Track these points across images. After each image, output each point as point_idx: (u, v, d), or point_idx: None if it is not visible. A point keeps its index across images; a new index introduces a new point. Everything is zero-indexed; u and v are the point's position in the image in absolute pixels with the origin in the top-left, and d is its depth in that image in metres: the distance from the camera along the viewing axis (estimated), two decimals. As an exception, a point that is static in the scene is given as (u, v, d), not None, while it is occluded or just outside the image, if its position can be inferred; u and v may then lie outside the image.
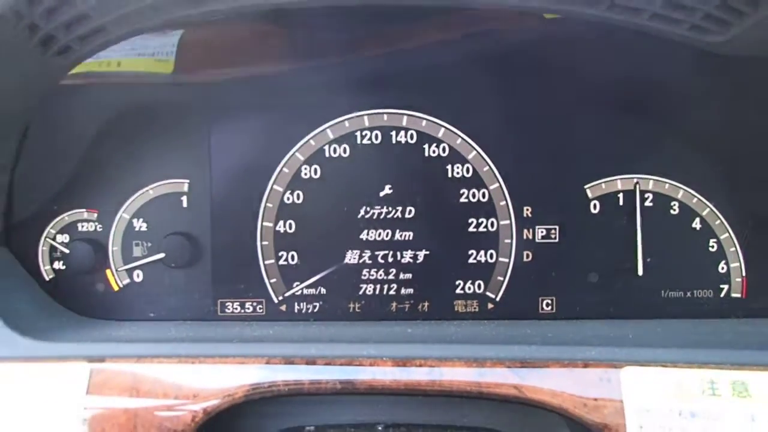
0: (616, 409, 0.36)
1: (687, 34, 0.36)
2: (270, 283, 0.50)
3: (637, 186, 0.48)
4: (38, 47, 0.35)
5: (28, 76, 0.37)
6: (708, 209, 0.49)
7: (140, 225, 0.49)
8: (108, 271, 0.49)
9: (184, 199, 0.49)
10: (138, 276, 0.49)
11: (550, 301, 0.50)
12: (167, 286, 0.49)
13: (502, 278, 0.50)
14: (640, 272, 0.47)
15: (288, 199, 0.50)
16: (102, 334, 0.44)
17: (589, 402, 0.36)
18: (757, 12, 0.34)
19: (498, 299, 0.50)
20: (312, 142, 0.50)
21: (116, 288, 0.50)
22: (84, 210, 0.49)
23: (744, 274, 0.49)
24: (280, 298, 0.50)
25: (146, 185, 0.49)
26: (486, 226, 0.49)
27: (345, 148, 0.50)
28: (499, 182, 0.49)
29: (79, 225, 0.49)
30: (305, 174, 0.50)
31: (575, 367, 0.37)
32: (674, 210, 0.49)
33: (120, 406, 0.37)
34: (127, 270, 0.49)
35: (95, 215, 0.49)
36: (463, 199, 0.49)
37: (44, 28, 0.33)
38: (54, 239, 0.49)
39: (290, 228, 0.50)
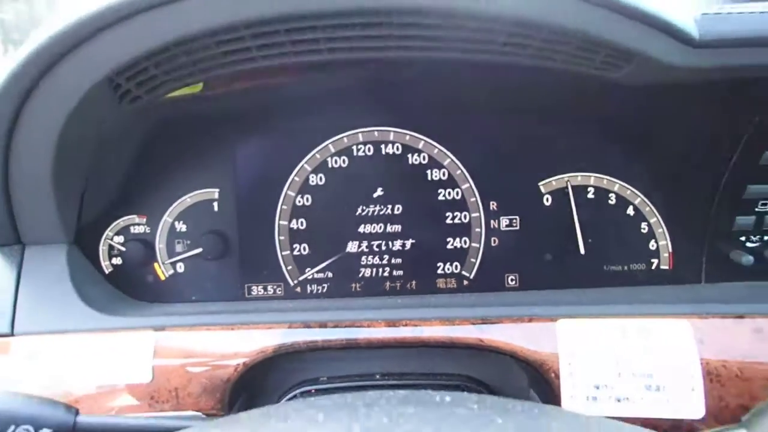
0: (552, 351, 0.47)
1: (586, 71, 0.47)
2: (287, 270, 0.61)
3: (569, 181, 0.59)
4: (116, 99, 0.46)
5: (105, 119, 0.48)
6: (639, 198, 0.60)
7: (180, 226, 0.60)
8: (156, 264, 0.61)
9: (215, 204, 0.60)
10: (180, 267, 0.61)
11: (514, 277, 0.61)
12: (204, 275, 0.61)
13: (474, 260, 0.61)
14: (582, 251, 0.59)
15: (299, 202, 0.61)
16: (158, 311, 0.55)
17: (533, 346, 0.47)
18: (632, 64, 0.45)
19: (472, 277, 0.61)
20: (317, 155, 0.61)
21: (163, 277, 0.61)
22: (135, 216, 0.60)
23: (670, 250, 0.60)
24: (295, 281, 0.61)
25: (184, 194, 0.60)
26: (460, 219, 0.61)
27: (344, 159, 0.61)
28: (469, 183, 0.60)
29: (132, 228, 0.61)
30: (312, 181, 0.61)
31: (522, 321, 0.48)
32: (611, 200, 0.60)
33: (178, 363, 0.49)
34: (171, 263, 0.61)
35: (144, 219, 0.60)
36: (440, 198, 0.60)
37: (124, 86, 0.45)
38: (112, 240, 0.61)
39: (302, 225, 0.61)
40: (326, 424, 0.26)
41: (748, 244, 0.57)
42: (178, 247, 0.60)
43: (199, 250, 0.60)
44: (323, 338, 0.49)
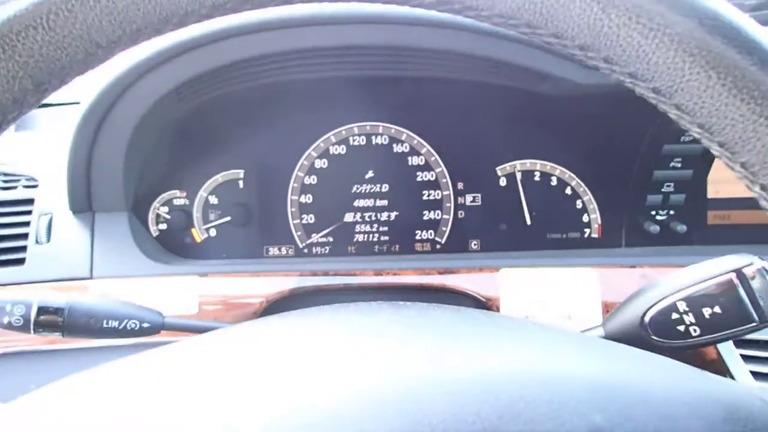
0: (496, 294, 0.63)
1: (519, 85, 0.63)
2: (296, 235, 0.77)
3: (518, 167, 0.75)
4: (177, 100, 0.62)
5: (165, 115, 0.63)
6: (575, 181, 0.75)
7: (213, 199, 0.76)
8: (193, 230, 0.77)
9: (240, 182, 0.76)
10: (213, 232, 0.77)
11: (476, 242, 0.77)
12: (232, 238, 0.76)
13: (445, 228, 0.77)
14: (528, 222, 0.75)
15: (306, 181, 0.77)
16: (198, 264, 0.72)
17: (483, 290, 0.63)
18: (549, 82, 0.60)
19: (443, 242, 0.77)
20: (322, 144, 0.76)
21: (198, 240, 0.77)
22: (177, 191, 0.76)
23: (599, 222, 0.76)
24: (303, 244, 0.77)
25: (216, 174, 0.75)
26: (434, 196, 0.76)
27: (343, 147, 0.77)
28: (442, 167, 0.76)
29: (174, 200, 0.76)
30: (317, 165, 0.77)
31: (476, 272, 0.64)
32: (553, 182, 0.76)
33: (217, 300, 0.65)
34: (205, 228, 0.77)
35: (184, 194, 0.76)
36: (418, 179, 0.76)
37: (184, 92, 0.61)
38: (159, 209, 0.76)
39: (309, 200, 0.77)
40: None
41: (657, 218, 0.73)
42: (211, 216, 0.76)
43: (228, 218, 0.75)
44: (326, 283, 0.65)
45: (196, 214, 0.76)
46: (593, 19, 0.26)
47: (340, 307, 0.39)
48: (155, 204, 0.76)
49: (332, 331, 0.32)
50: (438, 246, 0.77)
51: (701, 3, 0.25)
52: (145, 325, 0.47)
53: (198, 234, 0.76)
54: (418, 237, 0.77)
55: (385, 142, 0.76)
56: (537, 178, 0.75)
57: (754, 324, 0.39)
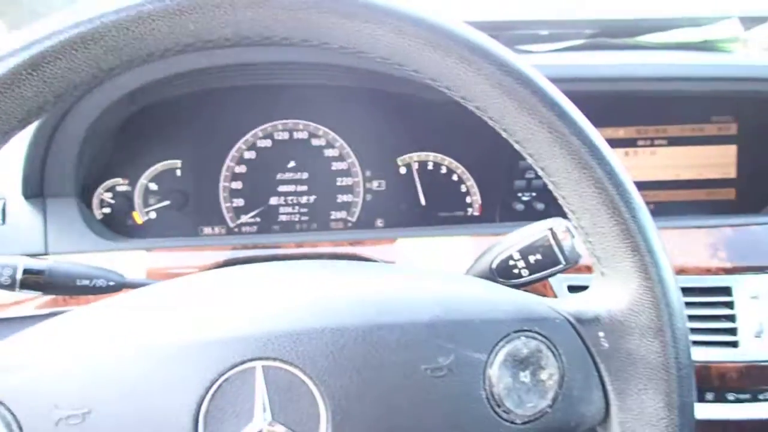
0: (394, 258, 0.79)
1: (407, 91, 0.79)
2: (228, 217, 0.89)
3: (413, 158, 0.91)
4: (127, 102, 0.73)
5: (115, 114, 0.74)
6: (461, 169, 0.92)
7: (153, 186, 0.87)
8: (135, 213, 0.87)
9: (178, 170, 0.87)
10: (152, 215, 0.87)
11: (381, 221, 0.92)
12: (170, 220, 0.87)
13: (355, 210, 0.91)
14: (423, 203, 0.91)
15: (237, 170, 0.89)
16: (142, 242, 0.82)
17: (384, 256, 0.79)
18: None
19: (354, 221, 0.91)
20: (250, 138, 0.89)
21: (140, 222, 0.87)
22: (120, 178, 0.86)
23: (480, 203, 0.94)
24: (234, 224, 0.90)
25: (156, 163, 0.86)
26: (346, 182, 0.91)
27: (268, 141, 0.89)
28: (353, 158, 0.91)
29: (117, 187, 0.86)
30: (246, 156, 0.89)
31: (378, 243, 0.80)
32: (443, 170, 0.92)
33: (162, 271, 0.76)
34: (146, 212, 0.87)
35: (127, 181, 0.86)
36: (333, 168, 0.90)
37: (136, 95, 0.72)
38: (103, 195, 0.86)
39: (239, 186, 0.89)
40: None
41: (523, 198, 0.92)
42: (151, 201, 0.87)
43: (167, 203, 0.87)
44: (254, 254, 0.78)
45: (137, 200, 0.86)
46: (439, 61, 0.41)
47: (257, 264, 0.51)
48: (99, 190, 0.85)
49: (246, 273, 0.46)
50: (350, 224, 0.91)
51: (503, 59, 0.41)
52: (111, 283, 0.59)
53: (139, 216, 0.87)
54: (333, 217, 0.91)
55: (305, 137, 0.90)
56: (430, 167, 0.92)
57: (562, 265, 0.57)
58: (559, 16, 0.87)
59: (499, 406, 0.40)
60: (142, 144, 0.85)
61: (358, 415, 0.37)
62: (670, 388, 0.41)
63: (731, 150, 0.97)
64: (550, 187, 0.45)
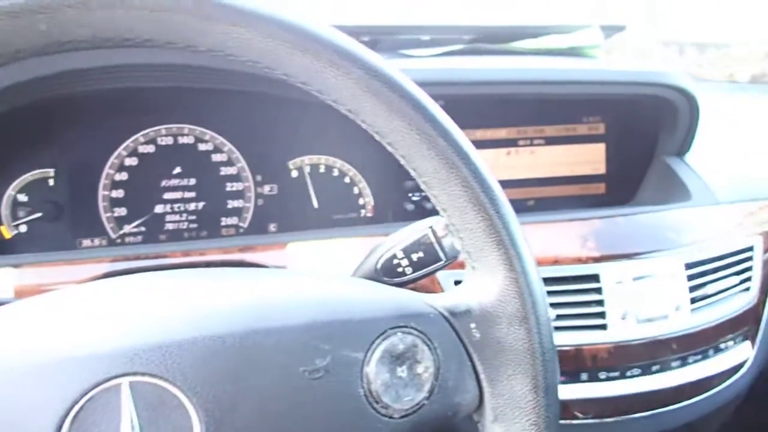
0: (284, 263, 0.78)
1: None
2: (109, 227, 0.84)
3: (305, 161, 0.91)
4: None
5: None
6: (353, 171, 0.94)
7: (23, 197, 0.80)
8: (2, 228, 0.80)
9: (51, 180, 0.82)
10: (23, 228, 0.81)
11: (274, 225, 0.91)
12: (44, 233, 0.81)
13: (247, 215, 0.90)
14: (316, 206, 0.91)
15: (117, 177, 0.84)
16: (11, 257, 0.76)
17: (275, 262, 0.78)
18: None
19: (246, 227, 0.90)
20: (131, 144, 0.85)
21: (8, 236, 0.80)
22: (-18, 190, 0.79)
23: (372, 204, 0.95)
24: (116, 235, 0.85)
25: (26, 173, 0.80)
26: (236, 187, 0.89)
27: (151, 147, 0.86)
28: (243, 163, 0.89)
29: (-20, 199, 0.79)
30: (127, 162, 0.85)
31: (269, 248, 0.79)
32: (335, 173, 0.93)
33: (34, 287, 0.71)
34: (15, 225, 0.81)
35: (-9, 193, 0.79)
36: (222, 173, 0.88)
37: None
38: (-38, 209, 0.78)
39: (120, 194, 0.84)
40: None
41: (413, 199, 0.94)
42: (21, 214, 0.81)
43: (39, 215, 0.81)
44: (136, 265, 0.75)
45: (4, 212, 0.80)
46: (308, 65, 0.42)
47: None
48: (-42, 204, 0.78)
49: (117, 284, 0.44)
50: (242, 230, 0.90)
51: (370, 64, 0.42)
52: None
53: (7, 230, 0.80)
54: (224, 223, 0.89)
55: (191, 141, 0.87)
56: (322, 170, 0.92)
57: (443, 261, 0.59)
58: (439, 21, 0.91)
59: (377, 402, 0.41)
60: (8, 152, 0.79)
61: (233, 424, 0.36)
62: (536, 372, 0.44)
63: (600, 148, 1.05)
64: (423, 187, 0.46)
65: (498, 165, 1.03)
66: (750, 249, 0.91)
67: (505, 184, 1.04)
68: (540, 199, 1.05)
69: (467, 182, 0.44)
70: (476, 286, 0.46)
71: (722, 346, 0.86)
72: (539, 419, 0.44)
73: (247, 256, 0.78)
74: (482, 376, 0.45)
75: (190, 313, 0.39)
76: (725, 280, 0.85)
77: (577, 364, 0.77)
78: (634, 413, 0.83)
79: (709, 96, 1.34)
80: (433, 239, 0.58)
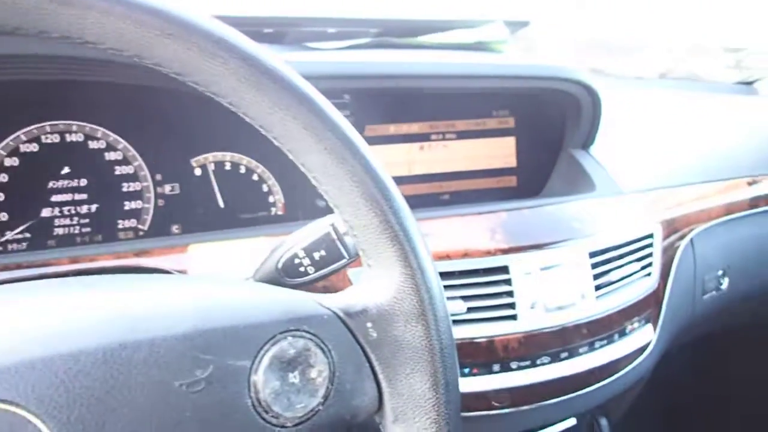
0: (185, 267, 0.74)
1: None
2: (-12, 235, 0.77)
3: (209, 159, 0.87)
4: None
5: None
6: (261, 168, 0.90)
7: None
8: None
9: None
10: None
11: (177, 227, 0.86)
12: None
13: (146, 217, 0.84)
14: (222, 206, 0.87)
15: (-4, 180, 0.77)
16: None
17: (177, 266, 0.74)
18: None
19: (146, 229, 0.85)
20: (11, 142, 0.77)
21: None
22: None
23: (283, 201, 0.92)
24: (-3, 243, 0.78)
25: None
26: (134, 188, 0.84)
27: (35, 145, 0.79)
28: (139, 161, 0.84)
29: None
30: (7, 163, 0.77)
31: (169, 252, 0.75)
32: (242, 170, 0.89)
33: None
34: None
35: None
36: (117, 173, 0.82)
37: None
38: None
39: (1, 198, 0.77)
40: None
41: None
42: None
43: None
44: (19, 275, 0.68)
45: None
46: (181, 54, 0.39)
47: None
48: None
49: None
50: (141, 233, 0.84)
51: (249, 54, 0.39)
52: None
53: None
54: (120, 226, 0.83)
55: (81, 140, 0.81)
56: (228, 168, 0.88)
57: (346, 259, 0.57)
58: (345, 14, 0.89)
59: (267, 411, 0.39)
60: None
61: (99, 447, 0.33)
62: (435, 369, 0.43)
63: (511, 141, 1.07)
64: (313, 183, 0.44)
65: (412, 160, 1.03)
66: (650, 236, 0.95)
67: (420, 178, 1.04)
68: (455, 192, 1.05)
69: (358, 177, 0.42)
70: (372, 285, 0.44)
71: (627, 330, 0.89)
72: (439, 417, 0.43)
73: (144, 261, 0.73)
74: (381, 377, 0.44)
75: (48, 328, 0.35)
76: (627, 266, 0.89)
77: (489, 356, 0.78)
78: (548, 399, 0.84)
79: (617, 91, 1.40)
80: (334, 236, 0.56)
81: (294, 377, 0.40)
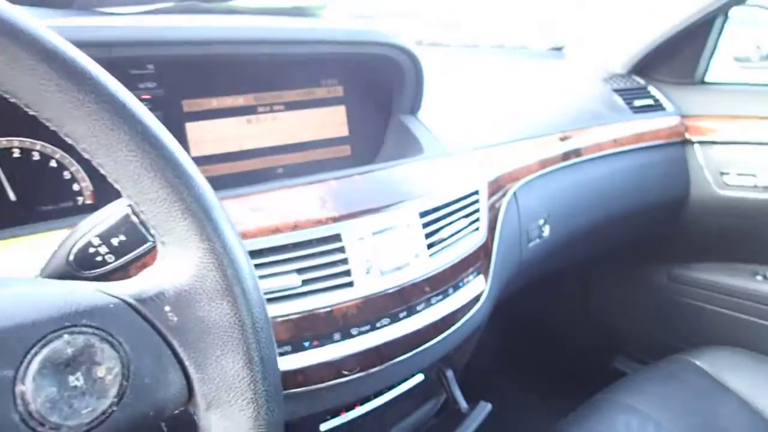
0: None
1: None
2: None
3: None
4: None
5: None
6: (60, 153, 0.80)
7: None
8: None
9: None
10: None
11: None
12: None
13: None
14: (14, 199, 0.76)
15: None
16: None
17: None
18: None
19: None
20: None
21: None
22: None
23: (92, 188, 0.83)
24: None
25: None
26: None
27: None
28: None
29: None
30: None
31: None
32: (36, 157, 0.78)
33: None
34: None
35: None
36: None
37: None
38: None
39: None
40: None
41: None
42: None
43: None
44: None
45: None
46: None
47: None
48: None
49: None
50: None
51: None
52: None
53: None
54: None
55: None
56: (17, 155, 0.77)
57: (152, 242, 0.52)
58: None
59: (42, 424, 0.33)
60: None
61: None
62: (248, 346, 0.41)
63: (341, 110, 1.06)
64: (86, 156, 0.39)
65: (241, 134, 0.98)
66: (476, 193, 1.00)
67: (252, 153, 0.99)
68: (288, 166, 1.02)
69: (135, 145, 0.37)
70: (167, 264, 0.40)
71: (461, 283, 0.93)
72: (256, 395, 0.41)
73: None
74: (187, 363, 0.40)
75: None
76: (457, 223, 0.93)
77: (330, 325, 0.77)
78: (394, 359, 0.86)
79: (441, 58, 1.44)
80: (135, 219, 0.51)
81: (76, 379, 0.35)
